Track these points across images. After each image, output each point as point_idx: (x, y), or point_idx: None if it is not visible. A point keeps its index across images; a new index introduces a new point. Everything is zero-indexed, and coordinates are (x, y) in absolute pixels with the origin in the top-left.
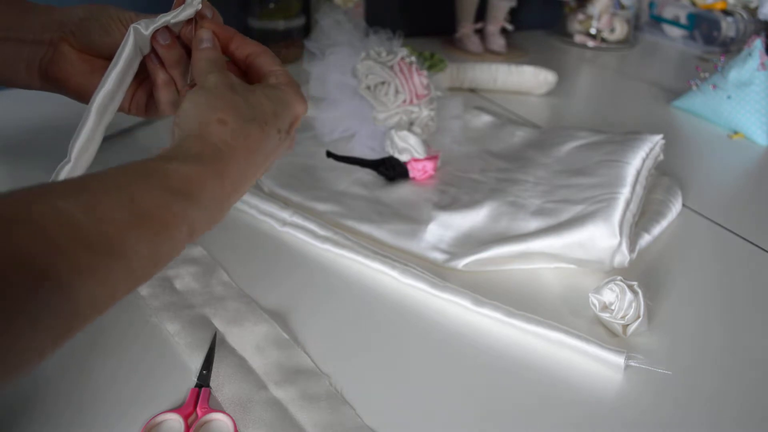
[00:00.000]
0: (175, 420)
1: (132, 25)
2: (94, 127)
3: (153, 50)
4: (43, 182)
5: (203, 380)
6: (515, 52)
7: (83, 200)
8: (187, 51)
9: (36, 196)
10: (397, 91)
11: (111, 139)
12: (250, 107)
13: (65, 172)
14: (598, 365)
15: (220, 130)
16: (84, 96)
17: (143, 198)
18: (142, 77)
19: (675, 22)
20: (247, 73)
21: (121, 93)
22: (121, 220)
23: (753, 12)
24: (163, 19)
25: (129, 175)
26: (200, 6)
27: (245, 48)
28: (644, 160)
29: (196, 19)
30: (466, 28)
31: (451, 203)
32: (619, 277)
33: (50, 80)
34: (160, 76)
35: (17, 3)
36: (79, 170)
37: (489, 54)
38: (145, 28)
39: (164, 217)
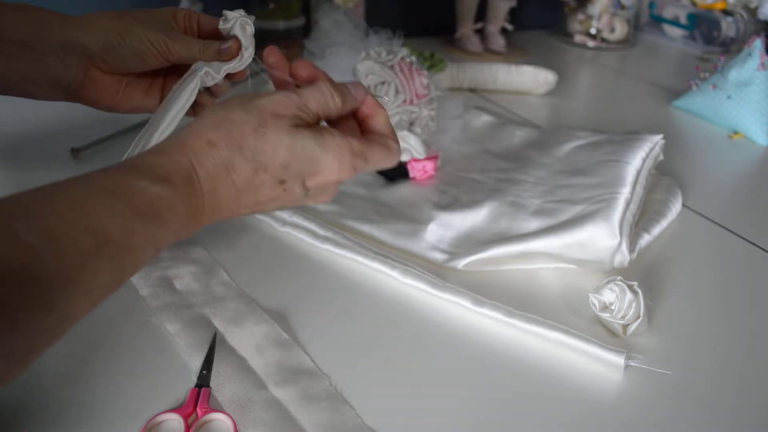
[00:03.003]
0: (175, 420)
1: (199, 75)
2: None
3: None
4: (6, 195)
5: (203, 380)
6: (515, 52)
7: (44, 226)
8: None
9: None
10: (397, 91)
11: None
12: (256, 145)
13: None
14: (598, 365)
15: (203, 151)
16: (116, 109)
17: (107, 222)
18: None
19: (675, 22)
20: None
21: (177, 121)
22: (82, 249)
23: (753, 12)
24: (227, 66)
25: (96, 194)
26: (251, 58)
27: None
28: (644, 160)
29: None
30: (466, 28)
31: (451, 203)
32: (619, 277)
33: (80, 99)
34: (207, 101)
35: (31, 12)
36: None
37: (489, 54)
38: (216, 71)
39: (129, 242)
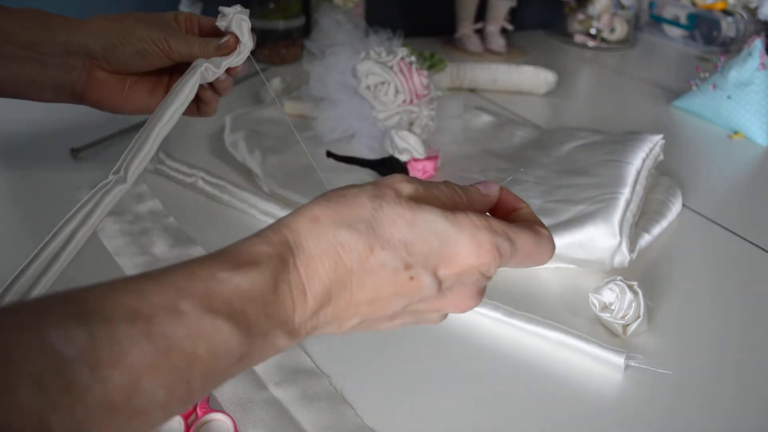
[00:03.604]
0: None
1: (199, 70)
2: (150, 153)
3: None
4: (37, 297)
5: None
6: (515, 52)
7: (88, 344)
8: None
9: (25, 326)
10: (397, 91)
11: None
12: (368, 219)
13: (117, 193)
14: (598, 365)
15: (304, 229)
16: (120, 110)
17: (167, 325)
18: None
19: (675, 22)
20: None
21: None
22: (131, 361)
23: (753, 12)
24: (226, 61)
25: (159, 292)
26: (251, 47)
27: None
28: (644, 160)
29: None
30: (466, 28)
31: None
32: (619, 277)
33: (84, 101)
34: (209, 97)
35: (36, 16)
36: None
37: (489, 54)
38: (216, 66)
39: (194, 351)
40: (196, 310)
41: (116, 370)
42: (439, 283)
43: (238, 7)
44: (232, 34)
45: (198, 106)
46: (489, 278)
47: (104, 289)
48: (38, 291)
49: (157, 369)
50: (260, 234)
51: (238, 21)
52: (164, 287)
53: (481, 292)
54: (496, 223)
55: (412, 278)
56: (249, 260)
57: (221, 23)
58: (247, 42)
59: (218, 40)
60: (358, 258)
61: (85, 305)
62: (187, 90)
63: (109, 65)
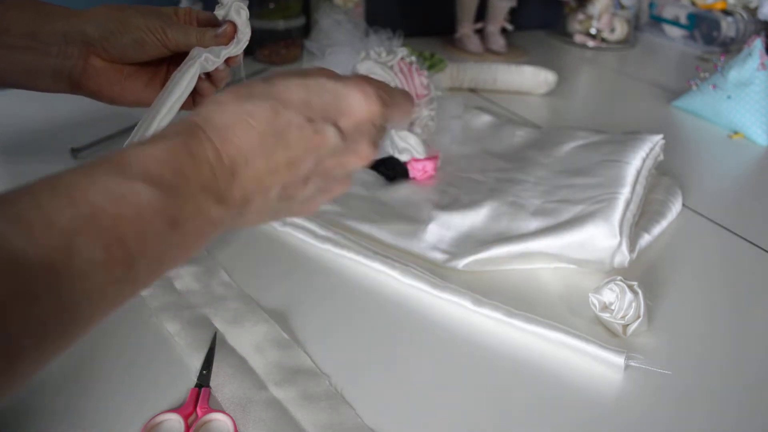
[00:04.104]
0: (175, 420)
1: (198, 60)
2: None
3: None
4: None
5: (203, 380)
6: (515, 52)
7: (14, 213)
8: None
9: None
10: None
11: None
12: (266, 89)
13: None
14: (598, 365)
15: (209, 110)
16: (117, 101)
17: (88, 193)
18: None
19: (675, 22)
20: None
21: (178, 106)
22: (63, 227)
23: (753, 12)
24: (225, 50)
25: (77, 171)
26: (248, 40)
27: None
28: (644, 160)
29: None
30: (466, 28)
31: (451, 203)
32: (619, 277)
33: (82, 90)
34: (207, 88)
35: (33, 5)
36: None
37: (489, 54)
38: (215, 55)
39: (119, 211)
40: (114, 177)
41: (49, 233)
42: (343, 135)
43: None
44: (230, 22)
45: (194, 98)
46: (379, 129)
47: (23, 187)
48: None
49: (87, 230)
50: (168, 126)
51: (236, 8)
52: (80, 168)
53: (376, 142)
54: (375, 81)
55: (316, 132)
56: (159, 136)
57: (219, 12)
58: (245, 30)
59: (216, 29)
60: (266, 121)
61: (9, 196)
62: (186, 79)
63: (106, 53)
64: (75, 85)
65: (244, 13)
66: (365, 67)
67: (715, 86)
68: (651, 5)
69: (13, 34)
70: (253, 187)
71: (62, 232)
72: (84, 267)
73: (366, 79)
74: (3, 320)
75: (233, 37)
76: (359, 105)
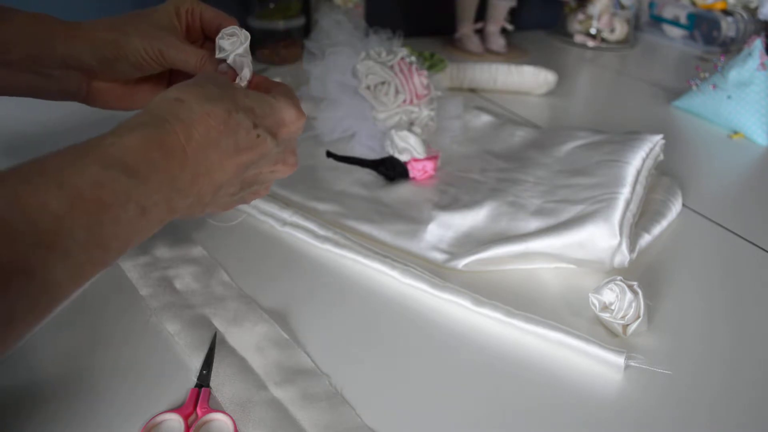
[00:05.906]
0: (175, 420)
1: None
2: None
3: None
4: None
5: (203, 380)
6: (515, 52)
7: (8, 193)
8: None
9: None
10: (397, 91)
11: None
12: (220, 93)
13: None
14: (598, 365)
15: (172, 106)
16: (129, 108)
17: (74, 179)
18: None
19: (675, 22)
20: None
21: None
22: (52, 209)
23: (753, 12)
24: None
25: (62, 157)
26: (249, 77)
27: (267, 84)
28: (644, 160)
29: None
30: (466, 28)
31: (451, 203)
32: (619, 277)
33: (91, 105)
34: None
35: (32, 23)
36: None
37: (489, 54)
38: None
39: (99, 197)
40: (95, 166)
41: (42, 214)
42: (277, 143)
43: (235, 36)
44: (231, 70)
45: (171, 74)
46: (295, 139)
47: (12, 168)
48: None
49: (72, 213)
50: (134, 115)
51: (239, 63)
52: (62, 153)
53: (295, 151)
54: (293, 93)
55: (258, 136)
56: (134, 125)
57: (220, 56)
58: (246, 75)
59: (216, 64)
60: (222, 121)
61: (1, 175)
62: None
63: (106, 77)
64: (83, 101)
65: (246, 60)
66: (365, 67)
67: (715, 86)
68: (651, 5)
69: (14, 54)
70: (207, 181)
71: (53, 214)
72: (69, 247)
73: (292, 93)
74: (5, 293)
75: (233, 80)
76: (291, 119)
